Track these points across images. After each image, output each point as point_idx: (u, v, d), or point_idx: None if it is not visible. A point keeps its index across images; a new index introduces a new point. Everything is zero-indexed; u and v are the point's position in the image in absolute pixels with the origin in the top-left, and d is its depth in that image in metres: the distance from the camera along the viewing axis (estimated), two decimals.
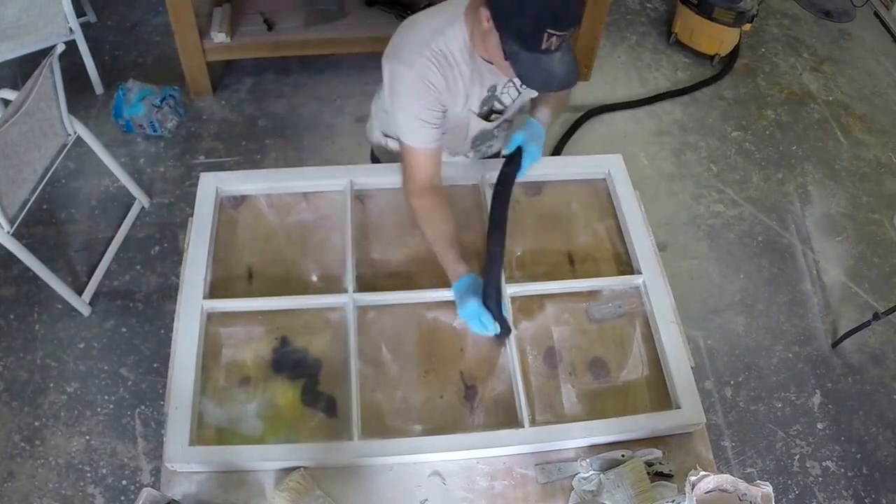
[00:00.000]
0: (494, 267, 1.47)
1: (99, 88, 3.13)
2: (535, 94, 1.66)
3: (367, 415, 1.41)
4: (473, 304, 1.45)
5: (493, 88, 1.60)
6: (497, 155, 1.88)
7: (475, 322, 1.46)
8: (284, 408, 1.43)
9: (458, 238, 1.55)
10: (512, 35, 1.33)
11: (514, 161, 1.60)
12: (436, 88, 1.49)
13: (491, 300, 1.44)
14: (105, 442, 2.22)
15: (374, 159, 1.99)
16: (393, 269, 1.65)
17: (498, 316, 1.45)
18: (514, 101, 1.68)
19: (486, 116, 1.66)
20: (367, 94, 3.32)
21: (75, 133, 2.39)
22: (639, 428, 1.42)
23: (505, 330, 1.48)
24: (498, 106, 1.66)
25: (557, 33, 1.29)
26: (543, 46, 1.31)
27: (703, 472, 1.19)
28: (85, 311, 2.47)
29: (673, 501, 1.29)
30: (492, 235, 1.50)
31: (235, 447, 1.36)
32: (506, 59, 1.37)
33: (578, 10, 1.33)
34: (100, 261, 2.58)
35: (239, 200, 1.74)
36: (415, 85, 1.49)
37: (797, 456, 2.36)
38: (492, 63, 1.45)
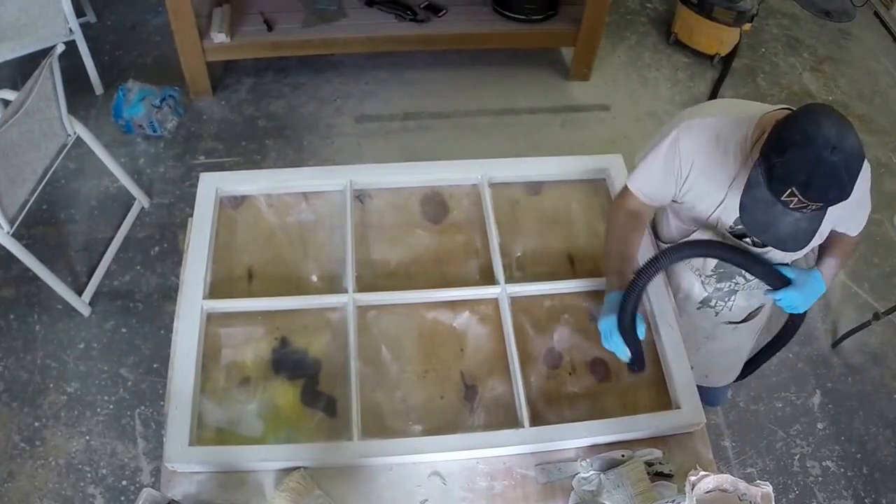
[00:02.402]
0: (633, 295, 1.40)
1: (99, 89, 3.13)
2: (796, 256, 1.52)
3: (366, 415, 1.41)
4: (608, 322, 1.43)
5: None
6: (744, 316, 1.75)
7: (605, 337, 1.45)
8: (284, 408, 1.43)
9: (630, 257, 1.53)
10: (765, 169, 1.25)
11: (763, 272, 1.48)
12: (682, 163, 1.42)
13: (623, 326, 1.41)
14: (105, 442, 2.22)
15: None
16: (393, 269, 1.65)
17: (630, 343, 1.43)
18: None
19: (739, 236, 1.50)
20: (366, 94, 3.35)
21: (75, 133, 2.38)
22: (639, 428, 1.42)
23: (637, 361, 1.46)
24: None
25: (800, 197, 1.20)
26: (783, 198, 1.23)
27: (703, 472, 1.19)
28: (85, 311, 2.47)
29: (673, 501, 1.29)
30: (642, 268, 1.42)
31: (235, 447, 1.36)
32: (747, 183, 1.29)
33: (835, 194, 1.20)
34: (100, 261, 2.58)
35: (239, 201, 1.74)
36: (672, 146, 1.43)
37: (797, 456, 2.36)
38: None
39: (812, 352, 2.60)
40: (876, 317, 2.44)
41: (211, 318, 1.53)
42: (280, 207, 1.74)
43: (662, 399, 1.49)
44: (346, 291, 1.56)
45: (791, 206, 1.23)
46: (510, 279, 1.61)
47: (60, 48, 2.15)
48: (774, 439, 2.39)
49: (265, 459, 1.35)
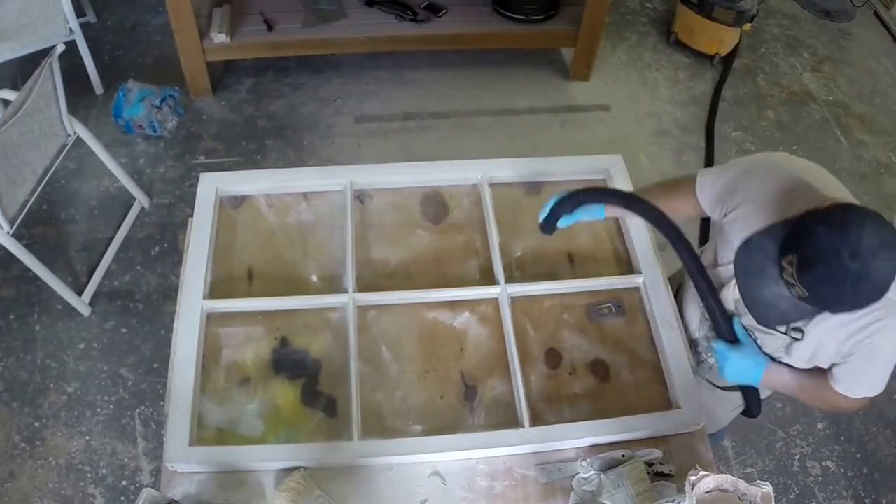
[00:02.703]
0: (581, 195, 1.46)
1: (99, 89, 3.13)
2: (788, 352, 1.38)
3: (367, 415, 1.41)
4: (556, 197, 1.48)
5: None
6: (722, 385, 1.66)
7: (545, 204, 1.51)
8: (284, 408, 1.43)
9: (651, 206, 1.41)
10: (793, 223, 1.17)
11: (718, 327, 1.41)
12: (735, 184, 1.37)
13: (559, 205, 1.47)
14: (105, 442, 2.22)
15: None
16: (393, 269, 1.65)
17: (552, 216, 1.49)
18: (782, 331, 1.36)
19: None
20: (366, 94, 3.35)
21: (75, 133, 2.38)
22: (639, 428, 1.42)
23: (547, 227, 1.52)
24: (761, 327, 1.38)
25: (793, 270, 1.12)
26: (782, 262, 1.15)
27: (703, 472, 1.19)
28: (85, 311, 2.47)
29: (673, 501, 1.29)
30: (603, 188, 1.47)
31: (235, 447, 1.36)
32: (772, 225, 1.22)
33: (825, 294, 1.10)
34: (100, 261, 2.58)
35: (239, 201, 1.74)
36: (734, 165, 1.41)
37: (797, 456, 2.36)
38: None
39: None
40: None
41: (211, 318, 1.53)
42: (280, 207, 1.74)
43: (662, 399, 1.49)
44: (346, 291, 1.55)
45: (784, 275, 1.15)
46: (510, 279, 1.61)
47: (60, 48, 2.15)
48: (774, 439, 2.39)
49: (265, 459, 1.35)
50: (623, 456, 1.40)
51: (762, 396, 1.57)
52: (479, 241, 1.70)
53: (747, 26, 3.46)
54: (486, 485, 1.37)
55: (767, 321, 1.26)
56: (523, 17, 3.16)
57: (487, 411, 1.45)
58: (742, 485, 1.20)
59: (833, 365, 1.34)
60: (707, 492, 1.20)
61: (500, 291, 1.58)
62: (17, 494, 2.11)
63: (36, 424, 2.24)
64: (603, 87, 3.41)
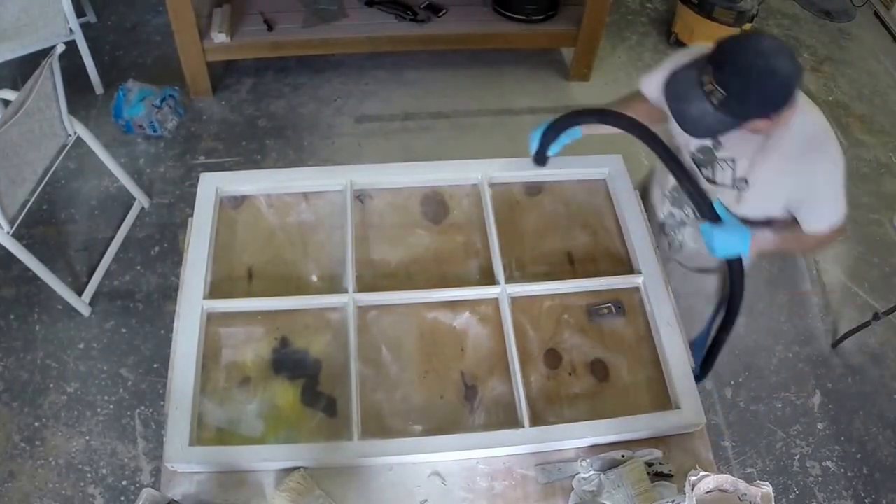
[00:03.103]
0: (566, 120, 1.62)
1: (99, 89, 3.13)
2: (695, 144, 1.60)
3: (367, 415, 1.41)
4: (540, 127, 1.68)
5: (717, 144, 1.56)
6: (693, 265, 1.82)
7: (532, 135, 1.69)
8: (284, 408, 1.43)
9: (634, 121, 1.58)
10: (694, 65, 1.38)
11: (698, 195, 1.52)
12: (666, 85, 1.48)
13: (545, 136, 1.66)
14: (105, 442, 2.22)
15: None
16: (393, 269, 1.65)
17: (542, 147, 1.70)
18: (729, 184, 1.57)
19: (697, 164, 1.63)
20: (366, 94, 3.35)
21: (75, 133, 2.38)
22: (639, 428, 1.42)
23: (539, 158, 1.72)
24: (707, 173, 1.61)
25: (712, 77, 1.33)
26: (702, 78, 1.35)
27: (702, 473, 1.19)
28: (85, 311, 2.47)
29: (673, 501, 1.29)
30: (582, 110, 1.63)
31: (235, 447, 1.36)
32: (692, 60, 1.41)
33: (735, 86, 1.32)
34: (100, 261, 2.58)
35: (239, 201, 1.74)
36: (663, 71, 1.54)
37: (797, 456, 2.36)
38: None
39: (812, 352, 2.61)
40: (876, 317, 2.44)
41: (211, 318, 1.53)
42: (280, 207, 1.74)
43: (662, 399, 1.49)
44: (346, 291, 1.55)
45: (705, 88, 1.34)
46: (510, 279, 1.61)
47: (61, 48, 2.15)
48: (774, 439, 2.39)
49: (265, 459, 1.35)
50: (623, 456, 1.40)
51: (745, 266, 1.62)
52: (479, 241, 1.70)
53: (747, 26, 3.45)
54: (486, 485, 1.37)
55: (699, 133, 1.44)
56: (523, 18, 3.16)
57: (487, 411, 1.45)
58: (742, 485, 1.19)
59: (795, 216, 1.54)
60: (707, 492, 1.19)
61: (500, 291, 1.58)
62: (17, 494, 2.11)
63: (36, 424, 2.24)
64: (603, 87, 3.41)
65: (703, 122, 1.38)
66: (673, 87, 1.40)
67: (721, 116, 1.35)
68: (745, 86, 1.31)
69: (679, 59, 1.51)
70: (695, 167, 1.62)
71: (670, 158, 1.53)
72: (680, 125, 1.41)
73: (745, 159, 1.51)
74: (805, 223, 1.53)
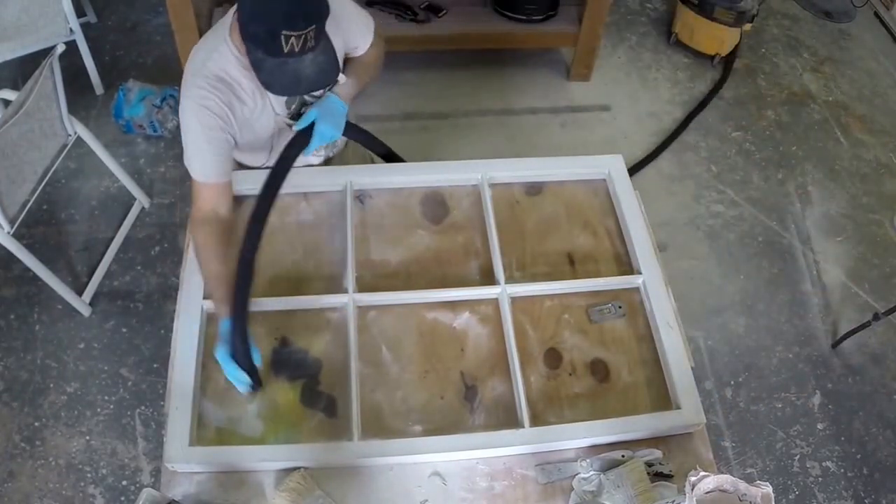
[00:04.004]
0: (238, 321, 1.34)
1: (99, 89, 3.13)
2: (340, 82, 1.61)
3: (367, 415, 1.41)
4: (222, 353, 1.36)
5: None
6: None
7: (224, 370, 1.37)
8: (284, 408, 1.43)
9: (227, 277, 1.41)
10: (253, 43, 1.33)
11: (300, 142, 1.56)
12: (216, 115, 1.44)
13: (238, 355, 1.34)
14: (105, 442, 2.22)
15: None
16: (393, 269, 1.65)
17: (248, 368, 1.35)
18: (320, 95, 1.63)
19: (298, 115, 1.64)
20: (365, 94, 3.34)
21: (75, 133, 2.38)
22: (639, 428, 1.42)
23: (255, 382, 1.38)
24: (310, 99, 1.64)
25: (295, 33, 1.27)
26: (286, 50, 1.29)
27: (703, 473, 1.19)
28: (85, 311, 2.47)
29: (673, 502, 1.29)
30: (246, 237, 1.40)
31: (235, 447, 1.36)
32: (253, 68, 1.36)
33: (311, 6, 1.31)
34: (100, 261, 2.58)
35: (239, 201, 1.74)
36: (195, 114, 1.43)
37: (797, 456, 2.36)
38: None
39: (812, 352, 2.61)
40: (876, 317, 2.44)
41: (211, 318, 1.53)
42: (280, 207, 1.73)
43: (662, 399, 1.49)
44: (346, 291, 1.55)
45: (297, 50, 1.30)
46: (510, 279, 1.61)
47: (61, 48, 2.15)
48: (774, 440, 2.39)
49: (265, 459, 1.35)
50: (623, 456, 1.40)
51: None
52: (479, 242, 1.70)
53: (747, 27, 3.45)
54: (486, 485, 1.37)
55: (334, 75, 1.45)
56: (523, 17, 3.15)
57: (487, 411, 1.45)
58: (742, 485, 1.19)
59: (350, 54, 1.66)
60: (707, 492, 1.19)
61: (500, 291, 1.58)
62: (17, 494, 2.11)
63: (36, 424, 2.24)
64: (603, 87, 3.41)
65: (324, 67, 1.38)
66: (280, 85, 1.38)
67: (327, 47, 1.37)
68: (315, 9, 1.31)
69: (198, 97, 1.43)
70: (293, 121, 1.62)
71: (288, 160, 1.55)
72: (320, 88, 1.45)
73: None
74: (357, 49, 1.65)
